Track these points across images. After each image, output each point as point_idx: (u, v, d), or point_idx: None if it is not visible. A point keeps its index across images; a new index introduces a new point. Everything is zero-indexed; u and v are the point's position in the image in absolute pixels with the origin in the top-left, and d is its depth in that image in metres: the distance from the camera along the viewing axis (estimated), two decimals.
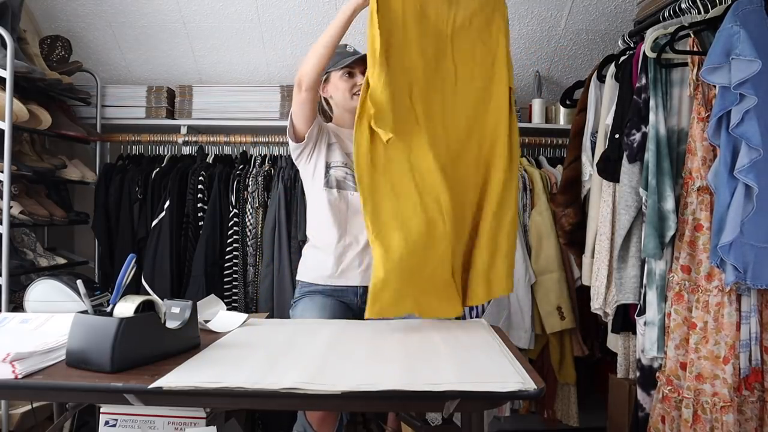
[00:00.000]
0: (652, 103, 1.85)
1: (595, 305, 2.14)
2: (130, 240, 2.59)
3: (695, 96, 1.81)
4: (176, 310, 1.34)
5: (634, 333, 1.99)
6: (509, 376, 1.13)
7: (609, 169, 2.03)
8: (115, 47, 2.89)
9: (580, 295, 2.48)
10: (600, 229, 2.12)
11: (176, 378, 1.10)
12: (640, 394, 1.92)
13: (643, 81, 1.88)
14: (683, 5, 1.89)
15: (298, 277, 1.97)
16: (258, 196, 2.56)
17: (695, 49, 1.82)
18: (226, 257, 2.54)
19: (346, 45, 1.88)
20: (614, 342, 2.12)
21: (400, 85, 1.55)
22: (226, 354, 1.31)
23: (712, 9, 1.83)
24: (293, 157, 1.88)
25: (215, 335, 1.48)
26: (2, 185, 2.15)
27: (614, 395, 2.21)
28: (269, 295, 2.49)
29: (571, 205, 2.36)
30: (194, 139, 2.76)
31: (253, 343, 1.41)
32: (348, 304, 1.91)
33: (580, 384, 2.54)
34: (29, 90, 2.37)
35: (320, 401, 1.14)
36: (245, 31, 2.81)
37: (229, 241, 2.54)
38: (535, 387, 1.07)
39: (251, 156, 2.76)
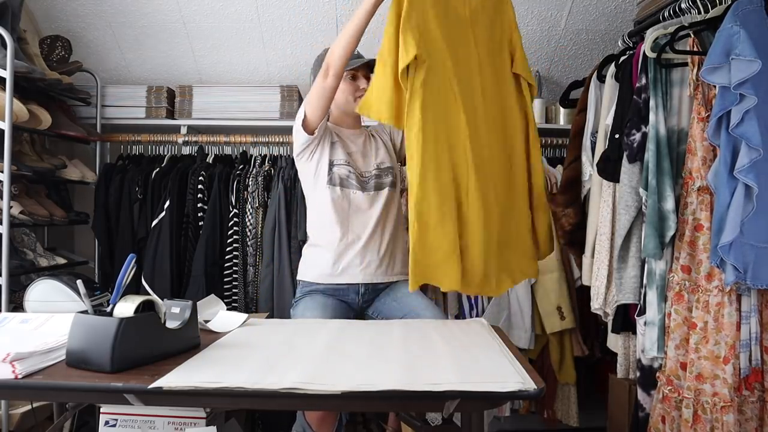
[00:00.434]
0: (652, 103, 1.85)
1: (595, 305, 2.14)
2: (130, 240, 2.59)
3: (695, 96, 1.81)
4: (176, 310, 1.35)
5: (634, 333, 1.99)
6: (509, 376, 1.13)
7: (609, 169, 2.03)
8: (115, 47, 2.89)
9: (580, 295, 2.48)
10: (600, 229, 2.12)
11: (176, 378, 1.10)
12: (640, 394, 1.92)
13: (643, 81, 1.88)
14: (683, 5, 1.89)
15: (298, 277, 1.98)
16: (258, 196, 2.56)
17: (695, 49, 1.82)
18: (226, 257, 2.54)
19: None
20: (614, 342, 2.12)
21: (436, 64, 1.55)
22: (226, 354, 1.31)
23: (712, 9, 1.83)
24: (296, 153, 1.89)
25: (215, 335, 1.48)
26: (2, 185, 2.15)
27: (614, 395, 2.21)
28: (269, 295, 2.49)
29: (571, 205, 2.36)
30: (194, 139, 2.76)
31: (253, 343, 1.41)
32: (349, 303, 1.91)
33: (580, 384, 2.54)
34: (29, 90, 2.37)
35: (320, 401, 1.14)
36: (245, 31, 2.81)
37: (229, 241, 2.54)
38: (535, 387, 1.07)
39: (251, 156, 2.76)
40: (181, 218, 2.58)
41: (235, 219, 2.55)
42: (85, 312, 1.21)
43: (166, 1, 2.69)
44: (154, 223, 2.55)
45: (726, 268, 1.66)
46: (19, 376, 1.10)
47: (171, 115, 2.81)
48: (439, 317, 1.84)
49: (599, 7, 2.71)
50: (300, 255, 2.04)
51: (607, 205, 2.08)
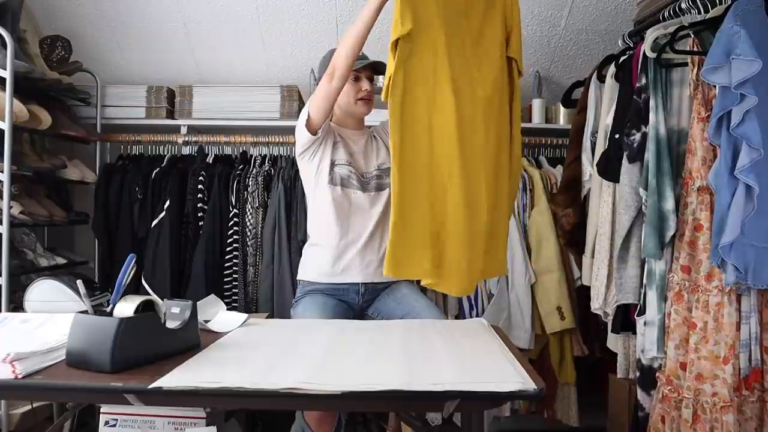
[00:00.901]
0: (652, 103, 1.85)
1: (595, 305, 2.14)
2: (130, 240, 2.59)
3: (695, 96, 1.81)
4: (176, 310, 1.34)
5: (634, 333, 1.99)
6: (509, 376, 1.13)
7: (609, 169, 2.03)
8: (115, 47, 2.89)
9: (580, 295, 2.48)
10: (600, 229, 2.12)
11: (176, 378, 1.10)
12: (640, 394, 1.92)
13: (643, 81, 1.88)
14: (683, 5, 1.89)
15: (299, 277, 1.98)
16: (258, 196, 2.56)
17: (695, 49, 1.82)
18: (226, 257, 2.54)
19: None
20: (614, 342, 2.12)
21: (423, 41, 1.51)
22: (226, 354, 1.31)
23: (712, 9, 1.83)
24: (298, 152, 1.89)
25: (215, 335, 1.48)
26: (2, 185, 2.15)
27: (614, 395, 2.21)
28: (269, 295, 2.49)
29: (571, 205, 2.36)
30: (194, 139, 2.76)
31: (253, 343, 1.41)
32: (349, 303, 1.91)
33: (580, 384, 2.54)
34: (29, 90, 2.37)
35: (320, 401, 1.14)
36: (245, 31, 2.80)
37: (229, 241, 2.54)
38: (535, 387, 1.07)
39: (251, 156, 2.75)
40: (181, 218, 2.58)
41: (235, 219, 2.55)
42: (85, 312, 1.21)
43: (166, 1, 2.68)
44: (154, 223, 2.55)
45: (726, 268, 1.66)
46: (19, 376, 1.10)
47: (171, 115, 2.81)
48: (439, 317, 1.84)
49: (599, 7, 2.71)
50: (300, 255, 2.04)
51: (607, 205, 2.08)
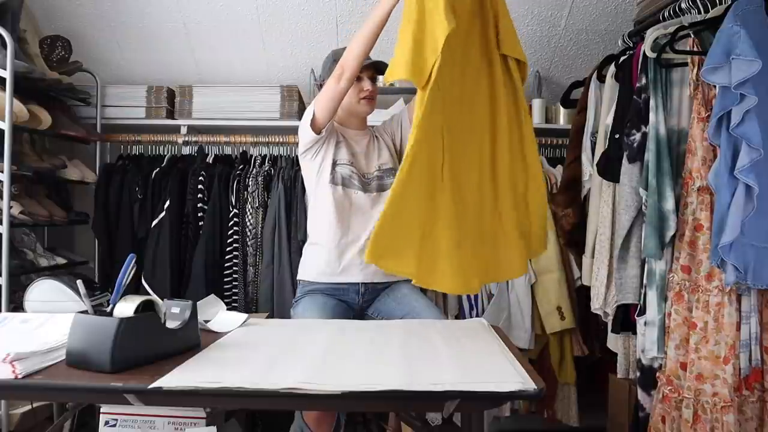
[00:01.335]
0: (652, 103, 1.85)
1: (595, 305, 2.14)
2: (130, 240, 2.59)
3: (695, 96, 1.81)
4: (176, 310, 1.34)
5: (634, 333, 1.99)
6: (509, 376, 1.13)
7: (609, 169, 2.03)
8: (115, 47, 2.89)
9: (580, 295, 2.48)
10: (600, 229, 2.12)
11: (176, 378, 1.10)
12: (641, 394, 1.92)
13: (643, 81, 1.88)
14: (683, 5, 1.89)
15: (299, 277, 1.98)
16: (258, 196, 2.57)
17: (695, 49, 1.82)
18: (226, 257, 2.54)
19: None
20: (614, 342, 2.12)
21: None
22: (226, 354, 1.31)
23: (712, 9, 1.83)
24: (301, 151, 1.89)
25: (215, 335, 1.48)
26: (2, 185, 2.15)
27: (614, 395, 2.21)
28: (269, 295, 2.49)
29: (571, 205, 2.36)
30: (194, 139, 2.76)
31: (253, 343, 1.41)
32: (349, 303, 1.91)
33: (580, 384, 2.54)
34: (29, 90, 2.37)
35: (320, 401, 1.14)
36: (245, 31, 2.81)
37: (229, 241, 2.54)
38: (535, 387, 1.07)
39: (251, 156, 2.75)
40: (181, 218, 2.58)
41: (235, 219, 2.55)
42: (85, 312, 1.21)
43: (166, 1, 2.68)
44: (154, 223, 2.55)
45: (726, 268, 1.66)
46: (19, 376, 1.10)
47: (171, 115, 2.81)
48: (439, 317, 1.84)
49: (599, 7, 2.71)
50: (300, 255, 2.04)
51: (607, 205, 2.08)
